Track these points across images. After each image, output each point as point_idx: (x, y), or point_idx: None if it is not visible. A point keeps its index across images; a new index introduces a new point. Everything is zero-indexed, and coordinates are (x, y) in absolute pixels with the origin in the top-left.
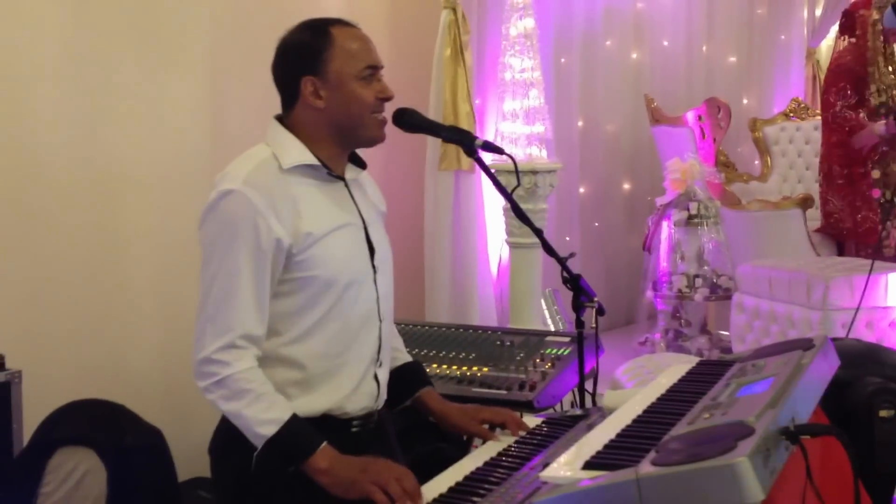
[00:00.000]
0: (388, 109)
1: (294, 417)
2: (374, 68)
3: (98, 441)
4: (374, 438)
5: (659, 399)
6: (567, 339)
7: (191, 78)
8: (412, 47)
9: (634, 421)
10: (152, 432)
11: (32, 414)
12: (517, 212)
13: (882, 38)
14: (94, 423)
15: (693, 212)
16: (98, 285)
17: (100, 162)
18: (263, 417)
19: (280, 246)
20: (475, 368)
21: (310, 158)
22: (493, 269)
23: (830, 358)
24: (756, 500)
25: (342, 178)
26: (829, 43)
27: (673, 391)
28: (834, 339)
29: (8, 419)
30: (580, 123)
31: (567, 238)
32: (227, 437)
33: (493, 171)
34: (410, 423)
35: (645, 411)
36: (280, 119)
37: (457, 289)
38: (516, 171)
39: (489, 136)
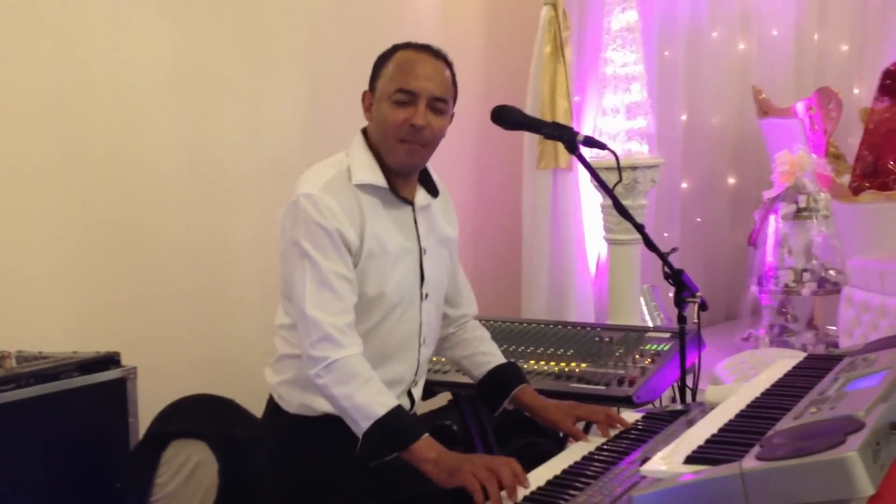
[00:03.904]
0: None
1: (400, 406)
2: (409, 93)
3: (209, 434)
4: None
5: (763, 394)
6: (667, 335)
7: (291, 85)
8: (510, 45)
9: (738, 416)
10: (260, 425)
11: (147, 408)
12: (619, 208)
13: None
14: (205, 416)
15: (802, 205)
16: (206, 285)
17: (206, 166)
18: (373, 400)
19: (351, 248)
20: (573, 364)
21: (377, 179)
22: (592, 266)
23: None
24: (866, 495)
25: (411, 203)
26: None
27: (778, 386)
28: None
29: (124, 413)
30: (683, 117)
31: (665, 234)
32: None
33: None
34: (506, 419)
35: (749, 406)
36: (365, 131)
37: (554, 287)
38: (618, 166)
39: (587, 133)
